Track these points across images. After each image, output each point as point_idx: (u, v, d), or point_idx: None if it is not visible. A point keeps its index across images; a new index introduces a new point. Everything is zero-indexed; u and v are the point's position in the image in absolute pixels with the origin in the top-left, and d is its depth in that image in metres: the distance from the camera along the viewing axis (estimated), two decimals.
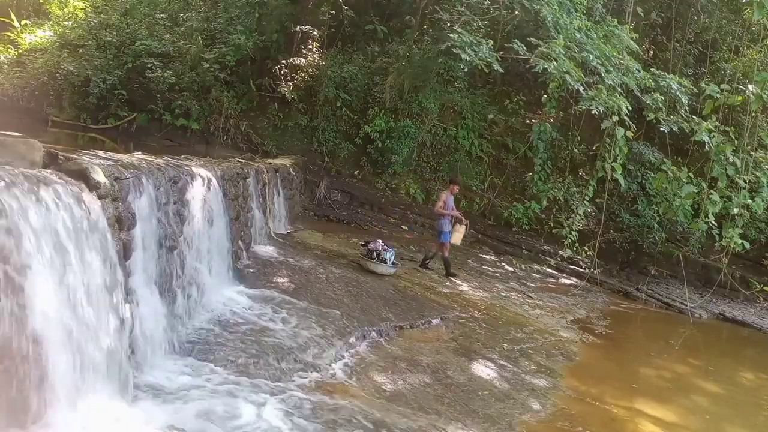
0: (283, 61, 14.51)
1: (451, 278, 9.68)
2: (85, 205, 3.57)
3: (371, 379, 5.39)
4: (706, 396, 7.18)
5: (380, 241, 9.28)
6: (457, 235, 9.75)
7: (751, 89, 10.97)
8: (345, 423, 4.37)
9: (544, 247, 13.27)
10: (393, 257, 8.91)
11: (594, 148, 13.52)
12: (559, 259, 12.74)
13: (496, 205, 13.91)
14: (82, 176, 3.66)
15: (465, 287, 9.49)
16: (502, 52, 10.83)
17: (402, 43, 14.57)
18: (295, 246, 9.42)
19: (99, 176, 3.75)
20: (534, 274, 12.04)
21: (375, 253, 8.82)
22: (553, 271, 12.52)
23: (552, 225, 13.30)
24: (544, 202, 13.57)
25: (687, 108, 11.25)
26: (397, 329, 6.93)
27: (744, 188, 11.08)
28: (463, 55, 9.86)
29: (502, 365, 6.48)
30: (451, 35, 10.20)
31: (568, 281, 12.04)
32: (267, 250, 8.66)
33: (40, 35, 16.64)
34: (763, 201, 11.60)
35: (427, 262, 9.99)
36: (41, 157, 3.61)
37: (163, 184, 4.89)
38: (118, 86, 14.54)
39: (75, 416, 3.32)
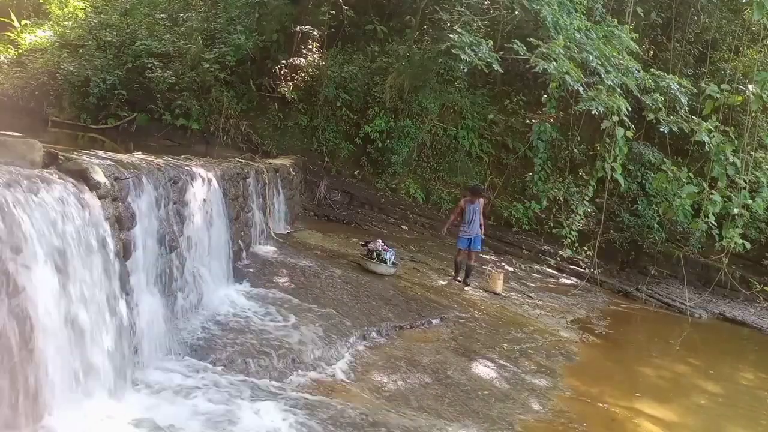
0: (283, 61, 14.50)
1: (458, 281, 9.65)
2: (85, 205, 3.57)
3: (371, 379, 5.39)
4: (706, 396, 7.18)
5: (380, 241, 9.28)
6: (498, 283, 9.61)
7: (751, 89, 10.99)
8: (345, 423, 4.37)
9: (544, 247, 13.26)
10: (393, 257, 8.91)
11: (594, 148, 13.52)
12: (559, 259, 12.73)
13: (496, 205, 13.91)
14: (82, 176, 3.66)
15: (465, 287, 9.48)
16: (502, 52, 10.83)
17: (402, 43, 14.56)
18: (295, 246, 9.41)
19: (99, 176, 3.75)
20: (534, 274, 12.04)
21: (375, 253, 8.81)
22: (553, 271, 12.51)
23: (552, 225, 13.29)
24: (544, 202, 13.56)
25: (687, 108, 11.26)
26: (397, 329, 6.93)
27: (744, 188, 11.08)
28: (462, 56, 9.86)
29: (502, 365, 6.48)
30: (451, 35, 10.20)
31: (568, 281, 12.04)
32: (267, 250, 8.65)
33: (40, 35, 16.64)
34: (763, 201, 11.61)
35: (467, 279, 9.70)
36: (41, 157, 3.61)
37: (163, 184, 4.89)
38: (118, 86, 14.54)
39: (74, 416, 3.32)
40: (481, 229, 9.65)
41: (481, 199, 9.78)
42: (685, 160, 13.10)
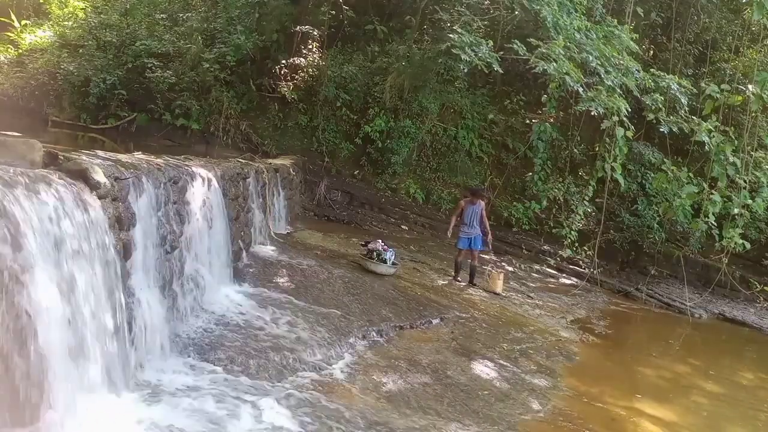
0: (283, 61, 14.50)
1: (458, 281, 9.66)
2: (85, 205, 3.57)
3: (371, 379, 5.39)
4: (706, 396, 7.18)
5: (380, 241, 9.28)
6: (498, 283, 9.60)
7: (751, 89, 10.99)
8: (345, 423, 4.37)
9: (544, 247, 13.26)
10: (393, 257, 8.91)
11: (594, 148, 13.52)
12: (559, 259, 12.73)
13: (496, 205, 13.91)
14: (82, 176, 3.66)
15: (469, 288, 9.46)
16: (502, 53, 10.83)
17: (402, 43, 14.56)
18: (295, 246, 9.42)
19: (99, 176, 3.75)
20: (534, 274, 12.04)
21: (375, 253, 8.81)
22: (553, 271, 12.51)
23: (552, 225, 13.29)
24: (544, 202, 13.56)
25: (687, 108, 11.26)
26: (397, 329, 6.93)
27: (744, 188, 11.09)
28: (463, 56, 9.85)
29: (502, 365, 6.48)
30: (451, 35, 10.20)
31: (568, 281, 12.03)
32: (267, 250, 8.66)
33: (40, 35, 16.65)
34: (763, 201, 11.61)
35: (472, 280, 9.68)
36: (41, 157, 3.62)
37: (163, 184, 4.89)
38: (118, 86, 14.54)
39: (74, 415, 3.32)
40: (487, 235, 9.66)
41: (482, 201, 9.71)
42: (685, 160, 13.10)
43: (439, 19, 12.78)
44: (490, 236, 9.80)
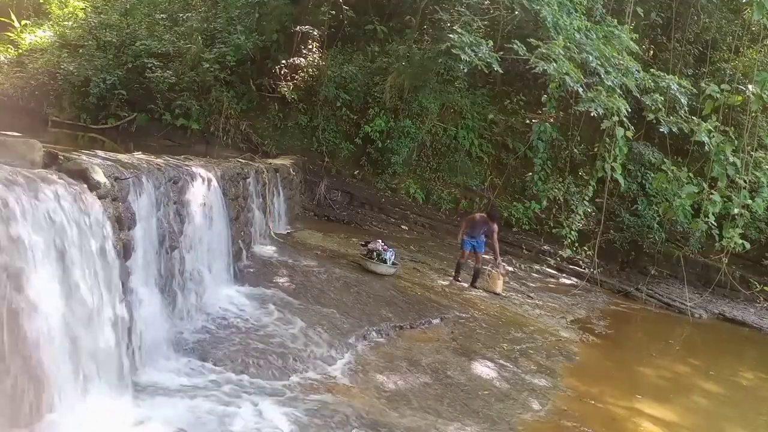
0: (283, 61, 14.50)
1: (458, 282, 9.66)
2: (85, 205, 3.57)
3: (371, 379, 5.39)
4: (706, 396, 7.19)
5: (380, 241, 9.28)
6: (499, 283, 9.58)
7: (751, 89, 10.99)
8: (344, 423, 4.37)
9: (544, 247, 13.26)
10: (393, 257, 8.91)
11: (594, 148, 13.51)
12: (559, 259, 12.73)
13: (497, 205, 13.89)
14: (83, 176, 3.66)
15: (472, 290, 9.46)
16: (502, 52, 10.82)
17: (402, 43, 14.56)
18: (295, 246, 9.42)
19: (99, 176, 3.75)
20: (534, 274, 12.04)
21: (375, 253, 8.81)
22: (553, 271, 12.51)
23: (552, 225, 13.29)
24: (544, 202, 13.56)
25: (687, 108, 11.25)
26: (397, 329, 6.93)
27: (744, 188, 11.09)
28: (462, 56, 9.85)
29: (502, 365, 6.48)
30: (451, 35, 10.20)
31: (568, 281, 12.03)
32: (267, 250, 8.66)
33: (40, 35, 16.64)
34: (763, 201, 11.61)
35: (474, 282, 9.69)
36: (41, 157, 3.62)
37: (163, 184, 4.90)
38: (118, 86, 14.54)
39: (74, 415, 3.32)
40: (497, 257, 9.81)
41: (495, 226, 9.66)
42: (685, 160, 13.09)
43: (439, 19, 12.78)
44: (500, 260, 9.92)
